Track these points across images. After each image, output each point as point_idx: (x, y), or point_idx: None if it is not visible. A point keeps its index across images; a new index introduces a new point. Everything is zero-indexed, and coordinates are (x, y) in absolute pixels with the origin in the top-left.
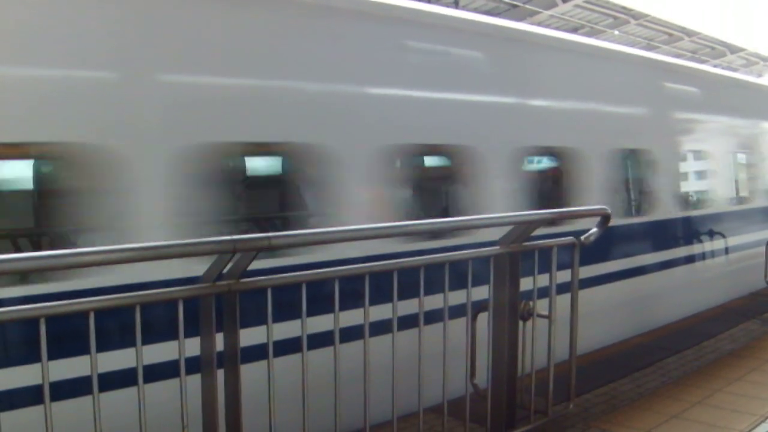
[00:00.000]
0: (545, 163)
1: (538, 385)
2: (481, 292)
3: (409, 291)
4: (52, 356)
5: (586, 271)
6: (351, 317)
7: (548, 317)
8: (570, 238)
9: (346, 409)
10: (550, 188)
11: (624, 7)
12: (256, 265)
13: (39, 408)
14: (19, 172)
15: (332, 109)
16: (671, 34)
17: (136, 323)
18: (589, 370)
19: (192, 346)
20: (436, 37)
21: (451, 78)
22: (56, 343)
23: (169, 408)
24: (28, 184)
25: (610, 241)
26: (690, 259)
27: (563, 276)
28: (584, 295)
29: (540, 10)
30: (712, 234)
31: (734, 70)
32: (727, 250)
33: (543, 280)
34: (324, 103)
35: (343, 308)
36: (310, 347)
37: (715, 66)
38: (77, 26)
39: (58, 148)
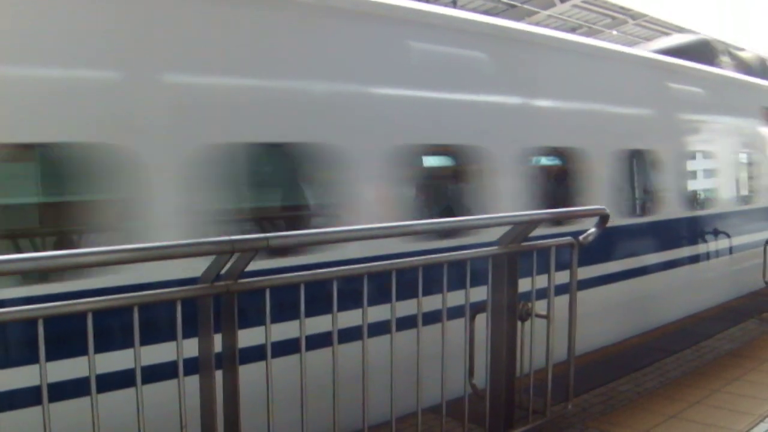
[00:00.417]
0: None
1: (537, 386)
2: (481, 293)
3: (408, 291)
4: (51, 357)
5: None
6: (350, 318)
7: (547, 317)
8: (568, 239)
9: (345, 409)
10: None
11: (622, 7)
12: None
13: (37, 409)
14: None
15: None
16: (669, 34)
17: (134, 324)
18: (588, 370)
19: (191, 347)
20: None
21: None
22: (56, 343)
23: (168, 409)
24: None
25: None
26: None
27: (565, 277)
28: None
29: (538, 10)
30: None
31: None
32: None
33: (544, 280)
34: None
35: (342, 309)
36: (310, 348)
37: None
38: None
39: None
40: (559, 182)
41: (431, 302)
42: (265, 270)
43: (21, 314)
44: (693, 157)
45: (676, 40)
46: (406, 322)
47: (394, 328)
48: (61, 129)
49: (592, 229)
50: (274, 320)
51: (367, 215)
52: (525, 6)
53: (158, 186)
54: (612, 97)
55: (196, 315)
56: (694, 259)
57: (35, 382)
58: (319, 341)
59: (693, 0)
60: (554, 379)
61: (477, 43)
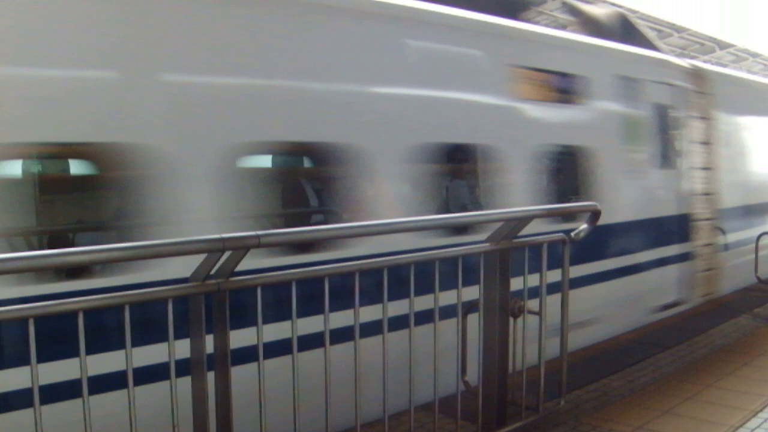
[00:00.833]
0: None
1: (529, 382)
2: (474, 290)
3: (401, 289)
4: (42, 358)
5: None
6: (344, 316)
7: (539, 314)
8: (559, 235)
9: (337, 408)
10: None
11: (613, 4)
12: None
13: (29, 410)
14: None
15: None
16: (660, 30)
17: (125, 323)
18: (580, 366)
19: (185, 348)
20: None
21: None
22: (47, 344)
23: (160, 409)
24: None
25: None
26: None
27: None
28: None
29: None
30: None
31: (724, 65)
32: None
33: (536, 277)
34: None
35: (335, 306)
36: (302, 346)
37: (705, 62)
38: None
39: None
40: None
41: (424, 300)
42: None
43: (11, 314)
44: None
45: None
46: (399, 320)
47: (386, 325)
48: None
49: (584, 226)
50: (266, 320)
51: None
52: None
53: None
54: None
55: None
56: None
57: (27, 383)
58: (311, 340)
59: None
60: (547, 376)
61: None
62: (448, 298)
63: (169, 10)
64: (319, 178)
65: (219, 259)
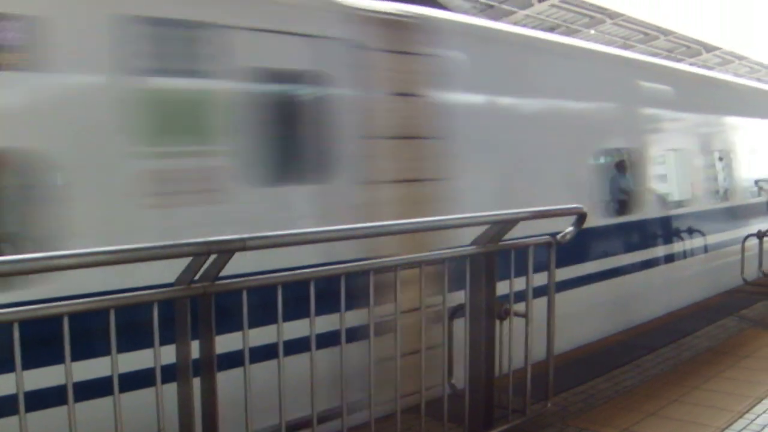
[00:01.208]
0: None
1: (516, 385)
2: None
3: (387, 292)
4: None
5: None
6: (329, 320)
7: (525, 317)
8: (545, 237)
9: (324, 411)
10: None
11: (600, 7)
12: None
13: (14, 417)
14: None
15: None
16: (647, 33)
17: (110, 327)
18: (567, 369)
19: (171, 353)
20: None
21: None
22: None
23: (146, 414)
24: None
25: None
26: None
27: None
28: None
29: (516, 9)
30: None
31: (710, 68)
32: None
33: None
34: None
35: (320, 310)
36: (288, 350)
37: (691, 65)
38: None
39: None
40: None
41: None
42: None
43: None
44: None
45: None
46: (384, 324)
47: (372, 329)
48: None
49: (570, 228)
50: (252, 323)
51: None
52: (503, 6)
53: None
54: None
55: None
56: None
57: (12, 389)
58: (297, 344)
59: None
60: (533, 378)
61: None
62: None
63: None
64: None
65: (204, 262)
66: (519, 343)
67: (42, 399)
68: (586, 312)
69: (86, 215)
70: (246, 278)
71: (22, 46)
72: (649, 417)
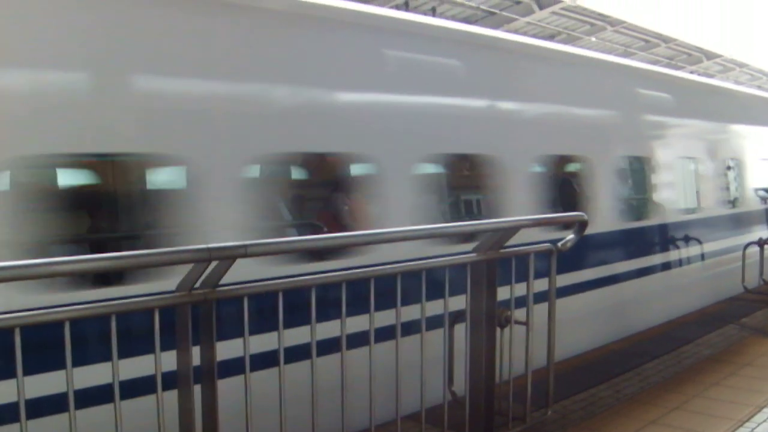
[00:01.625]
0: None
1: (517, 392)
2: (461, 300)
3: (387, 299)
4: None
5: None
6: (329, 327)
7: (526, 324)
8: (546, 245)
9: (324, 418)
10: None
11: (601, 14)
12: None
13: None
14: None
15: None
16: (648, 41)
17: (111, 333)
18: (568, 376)
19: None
20: None
21: None
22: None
23: (147, 421)
24: None
25: None
26: None
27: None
28: None
29: (517, 17)
30: None
31: (711, 76)
32: None
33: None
34: None
35: (321, 317)
36: (289, 358)
37: (691, 72)
38: None
39: None
40: None
41: (411, 310)
42: None
43: None
44: None
45: None
46: (386, 331)
47: (372, 336)
48: None
49: (571, 236)
50: (253, 330)
51: None
52: (504, 13)
53: None
54: None
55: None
56: None
57: (13, 396)
58: (299, 351)
59: (671, 7)
60: (534, 386)
61: None
62: (435, 307)
63: None
64: None
65: (206, 269)
66: (519, 351)
67: (43, 406)
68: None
69: None
70: (246, 285)
71: None
72: (649, 425)
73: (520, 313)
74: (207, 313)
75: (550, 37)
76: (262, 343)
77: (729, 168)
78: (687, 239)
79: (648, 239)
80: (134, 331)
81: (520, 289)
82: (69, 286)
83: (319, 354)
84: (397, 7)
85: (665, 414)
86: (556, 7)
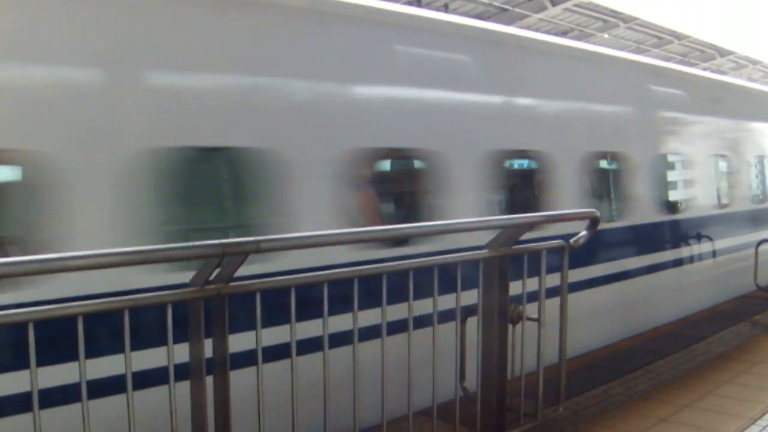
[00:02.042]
0: None
1: (528, 388)
2: (472, 296)
3: (399, 295)
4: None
5: None
6: (342, 321)
7: (538, 321)
8: (559, 242)
9: (336, 413)
10: None
11: (613, 11)
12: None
13: (28, 414)
14: None
15: None
16: (661, 38)
17: (124, 328)
18: (579, 373)
19: (183, 353)
20: None
21: None
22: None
23: (158, 414)
24: None
25: None
26: None
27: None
28: None
29: (529, 13)
30: None
31: (724, 73)
32: None
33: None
34: None
35: (334, 312)
36: (301, 351)
37: (704, 69)
38: None
39: None
40: None
41: (422, 305)
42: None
43: (10, 318)
44: None
45: None
46: (397, 326)
47: (384, 331)
48: None
49: (583, 232)
50: (266, 324)
51: None
52: (516, 9)
53: None
54: None
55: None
56: None
57: (26, 387)
58: (310, 345)
59: (684, 4)
60: (545, 382)
61: None
62: (446, 302)
63: None
64: None
65: (218, 264)
66: (531, 347)
67: (58, 397)
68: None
69: None
70: (259, 280)
71: None
72: (661, 422)
73: (532, 309)
74: (220, 308)
75: (563, 34)
76: (271, 337)
77: (751, 165)
78: (713, 235)
79: (682, 233)
80: (148, 324)
81: (532, 284)
82: None
83: (330, 348)
84: (410, 3)
85: (677, 411)
86: (568, 4)
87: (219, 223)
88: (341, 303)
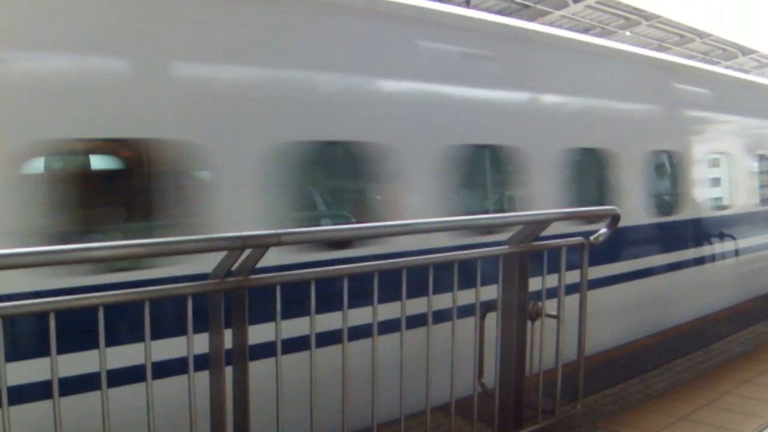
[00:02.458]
0: None
1: (546, 385)
2: (491, 292)
3: (419, 289)
4: (62, 350)
5: None
6: (360, 315)
7: (557, 317)
8: (579, 239)
9: (354, 407)
10: None
11: (636, 8)
12: None
13: (48, 402)
14: None
15: None
16: (683, 36)
17: (145, 319)
18: (598, 371)
19: (202, 343)
20: None
21: None
22: (68, 337)
23: (178, 404)
24: None
25: None
26: None
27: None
28: None
29: (551, 10)
30: None
31: (746, 72)
32: None
33: (555, 280)
34: None
35: (352, 306)
36: (320, 345)
37: (726, 68)
38: None
39: None
40: None
41: (441, 301)
42: None
43: (32, 308)
44: None
45: None
46: (417, 321)
47: (404, 326)
48: None
49: (603, 230)
50: (285, 316)
51: None
52: (538, 6)
53: None
54: None
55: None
56: None
57: (47, 375)
58: (329, 338)
59: (707, 2)
60: (564, 380)
61: None
62: (466, 297)
63: None
64: None
65: (239, 256)
66: (550, 344)
67: (77, 385)
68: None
69: None
70: (280, 273)
71: None
72: (679, 421)
73: (551, 306)
74: (240, 301)
75: (585, 31)
76: (291, 329)
77: None
78: (738, 232)
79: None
80: (168, 315)
81: (552, 280)
82: None
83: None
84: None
85: (695, 410)
86: (590, 1)
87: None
88: (358, 298)
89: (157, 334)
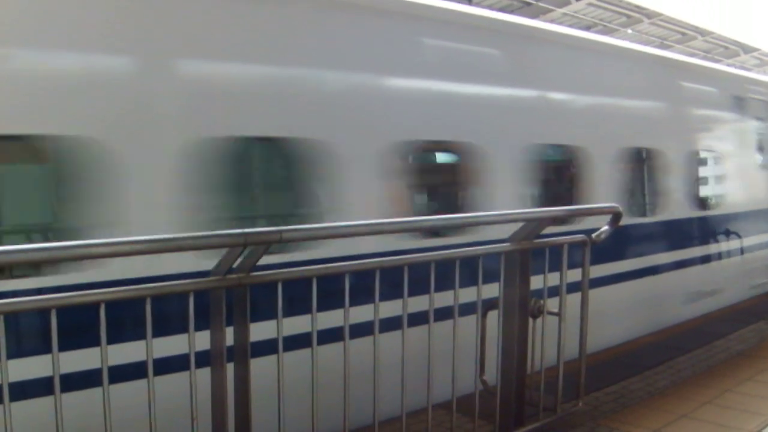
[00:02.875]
0: None
1: (548, 383)
2: (492, 289)
3: (420, 287)
4: (64, 347)
5: None
6: (362, 313)
7: (558, 315)
8: (581, 236)
9: (356, 404)
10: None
11: (637, 6)
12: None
13: (49, 399)
14: None
15: None
16: (684, 33)
17: (146, 315)
18: (599, 368)
19: (203, 340)
20: None
21: None
22: (69, 334)
23: (179, 400)
24: None
25: None
26: None
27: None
28: None
29: (553, 8)
30: None
31: (748, 70)
32: None
33: (557, 278)
34: None
35: (354, 304)
36: (321, 342)
37: (728, 66)
38: None
39: None
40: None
41: (443, 298)
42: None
43: (34, 304)
44: None
45: None
46: (418, 318)
47: (405, 323)
48: None
49: (605, 227)
50: (287, 314)
51: None
52: (540, 4)
53: None
54: None
55: (208, 308)
56: None
57: (48, 372)
58: (330, 336)
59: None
60: (565, 377)
61: None
62: (467, 295)
63: None
64: None
65: (241, 253)
66: (551, 341)
67: (78, 382)
68: None
69: None
70: (281, 270)
71: None
72: (681, 419)
73: (552, 303)
74: (241, 298)
75: (586, 29)
76: (290, 326)
77: None
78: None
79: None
80: (169, 311)
81: (553, 278)
82: None
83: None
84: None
85: (697, 408)
86: None
87: None
88: (360, 294)
89: (158, 331)
